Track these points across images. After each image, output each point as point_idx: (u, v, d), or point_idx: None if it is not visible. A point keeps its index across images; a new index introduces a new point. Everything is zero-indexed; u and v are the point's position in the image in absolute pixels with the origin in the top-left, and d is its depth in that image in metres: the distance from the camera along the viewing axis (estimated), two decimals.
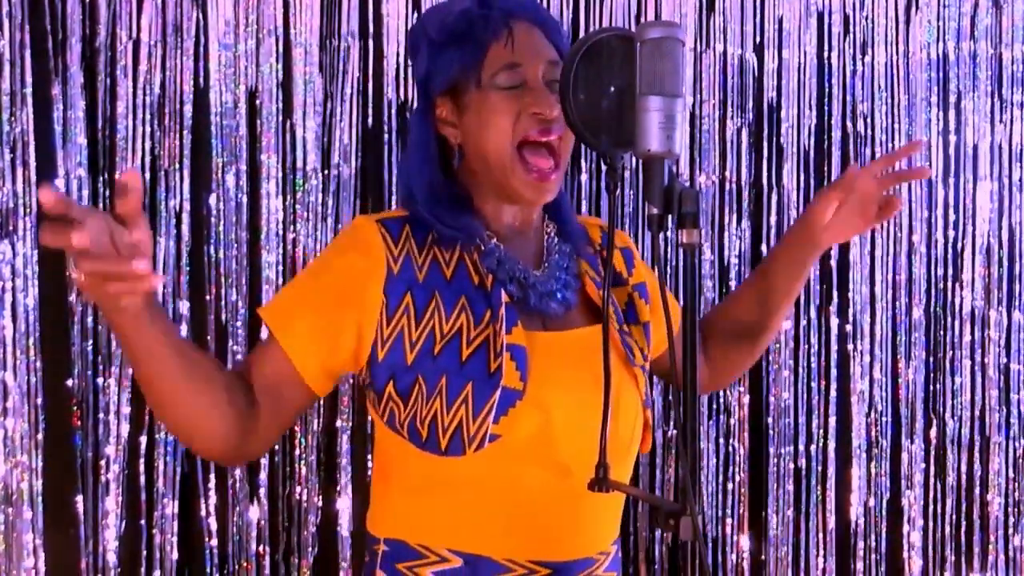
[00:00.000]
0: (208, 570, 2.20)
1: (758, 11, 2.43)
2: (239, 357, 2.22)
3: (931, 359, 2.51)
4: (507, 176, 1.29)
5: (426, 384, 1.23)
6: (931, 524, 2.51)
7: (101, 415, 2.17)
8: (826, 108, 2.45)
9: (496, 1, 1.30)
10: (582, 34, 2.36)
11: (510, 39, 1.28)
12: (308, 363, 1.26)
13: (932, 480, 2.52)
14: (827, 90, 2.45)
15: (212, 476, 2.20)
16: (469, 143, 1.31)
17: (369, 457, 2.23)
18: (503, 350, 1.23)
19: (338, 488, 2.25)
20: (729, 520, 2.43)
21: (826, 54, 2.45)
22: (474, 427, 1.22)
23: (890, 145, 2.48)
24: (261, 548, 2.23)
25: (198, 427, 1.20)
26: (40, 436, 2.14)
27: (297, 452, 2.24)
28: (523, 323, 1.27)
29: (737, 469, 2.43)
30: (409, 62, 2.30)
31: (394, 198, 2.28)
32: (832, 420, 2.47)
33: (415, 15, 2.30)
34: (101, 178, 2.18)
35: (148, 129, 2.21)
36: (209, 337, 2.21)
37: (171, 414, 1.20)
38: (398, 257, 1.27)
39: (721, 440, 2.43)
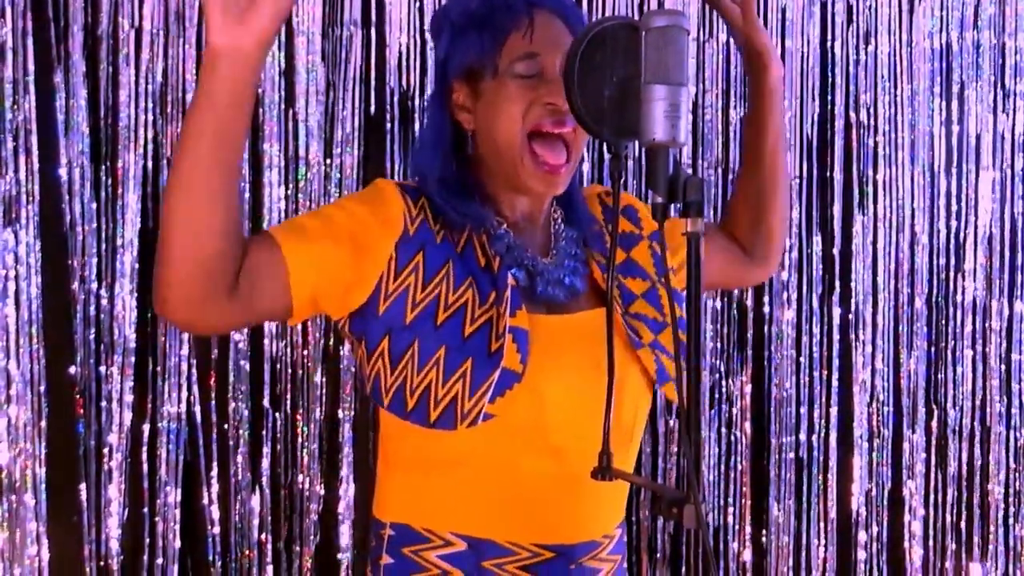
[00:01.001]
0: (210, 558, 2.21)
1: (761, 0, 2.42)
2: (241, 345, 2.22)
3: (933, 349, 2.52)
4: (515, 166, 1.28)
5: (420, 351, 1.23)
6: (932, 514, 2.52)
7: (104, 403, 2.17)
8: (829, 97, 2.45)
9: None
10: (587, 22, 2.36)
11: (530, 29, 1.28)
12: (301, 275, 1.20)
13: (933, 470, 2.52)
14: (830, 80, 2.45)
15: (215, 464, 2.21)
16: (481, 130, 1.31)
17: (371, 447, 2.23)
18: (506, 332, 1.24)
19: (340, 476, 2.25)
20: (731, 509, 2.44)
21: (829, 43, 2.45)
22: (469, 404, 1.22)
23: (893, 136, 2.48)
24: (263, 536, 2.24)
25: (198, 243, 1.09)
26: (43, 424, 2.15)
27: (299, 440, 2.24)
28: (527, 308, 1.27)
29: (739, 458, 2.44)
30: (415, 49, 2.31)
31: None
32: (834, 410, 2.48)
33: (417, 4, 2.29)
34: (103, 166, 2.18)
35: (150, 117, 2.21)
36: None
37: (187, 205, 1.08)
38: (415, 218, 1.27)
39: (723, 429, 2.43)
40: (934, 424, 2.52)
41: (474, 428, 1.22)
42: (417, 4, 2.29)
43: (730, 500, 2.44)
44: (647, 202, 1.40)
